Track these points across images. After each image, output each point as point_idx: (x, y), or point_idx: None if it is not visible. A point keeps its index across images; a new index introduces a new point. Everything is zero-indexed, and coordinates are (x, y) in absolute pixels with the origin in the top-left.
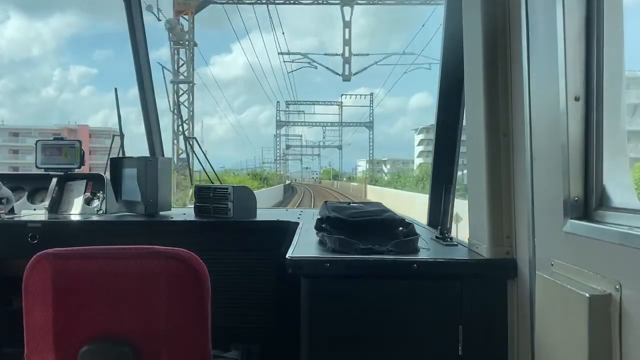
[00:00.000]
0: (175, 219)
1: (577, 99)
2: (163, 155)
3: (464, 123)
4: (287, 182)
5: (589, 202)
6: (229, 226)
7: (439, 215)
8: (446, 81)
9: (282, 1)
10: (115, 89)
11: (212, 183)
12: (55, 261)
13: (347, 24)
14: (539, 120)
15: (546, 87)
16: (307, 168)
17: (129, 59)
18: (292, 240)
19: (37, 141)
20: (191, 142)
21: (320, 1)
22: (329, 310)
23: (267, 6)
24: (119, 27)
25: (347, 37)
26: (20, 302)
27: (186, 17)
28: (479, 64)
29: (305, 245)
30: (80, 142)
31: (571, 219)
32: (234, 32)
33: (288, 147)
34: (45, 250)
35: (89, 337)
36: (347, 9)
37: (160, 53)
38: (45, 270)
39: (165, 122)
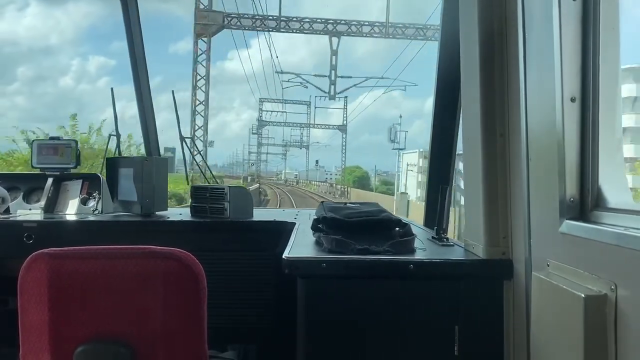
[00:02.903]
0: (171, 219)
1: (573, 99)
2: (159, 155)
3: (461, 124)
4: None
5: (585, 203)
6: (225, 226)
7: (435, 215)
8: (443, 82)
9: (274, 27)
10: (112, 89)
11: (209, 183)
12: (50, 261)
13: (334, 52)
14: (535, 121)
15: (542, 88)
16: (318, 164)
17: (148, 52)
18: (288, 241)
19: (32, 141)
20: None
21: (309, 31)
22: (326, 310)
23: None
24: (142, 18)
25: (333, 62)
26: (16, 302)
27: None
28: (475, 65)
29: (301, 245)
30: (76, 141)
31: (567, 219)
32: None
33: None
34: (40, 250)
35: (85, 337)
36: (334, 39)
37: (177, 47)
38: (40, 270)
39: (161, 121)
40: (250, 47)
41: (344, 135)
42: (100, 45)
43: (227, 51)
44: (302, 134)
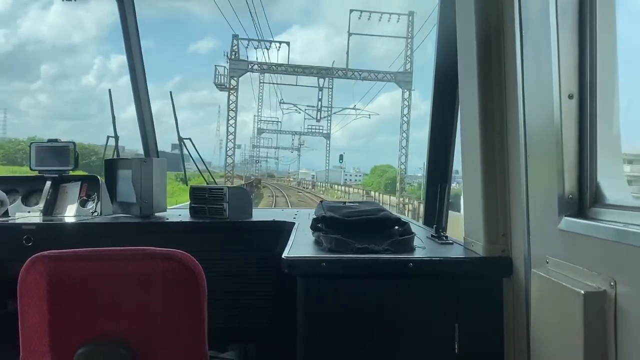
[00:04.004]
0: (170, 219)
1: (570, 96)
2: (158, 156)
3: (459, 122)
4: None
5: (584, 200)
6: (224, 227)
7: (435, 214)
8: (441, 80)
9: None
10: (109, 90)
11: (207, 184)
12: (50, 263)
13: (320, 89)
14: (533, 118)
15: (540, 85)
16: (342, 160)
17: (168, 51)
18: (288, 240)
19: (31, 143)
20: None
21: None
22: (326, 309)
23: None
24: (161, 17)
25: (320, 97)
26: (16, 305)
27: None
28: (472, 62)
29: (301, 245)
30: (74, 143)
31: (566, 216)
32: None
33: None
34: (40, 253)
35: (85, 339)
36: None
37: (198, 46)
38: (40, 272)
39: (182, 120)
40: (269, 48)
41: (407, 94)
42: (123, 43)
43: (247, 52)
44: (319, 112)
